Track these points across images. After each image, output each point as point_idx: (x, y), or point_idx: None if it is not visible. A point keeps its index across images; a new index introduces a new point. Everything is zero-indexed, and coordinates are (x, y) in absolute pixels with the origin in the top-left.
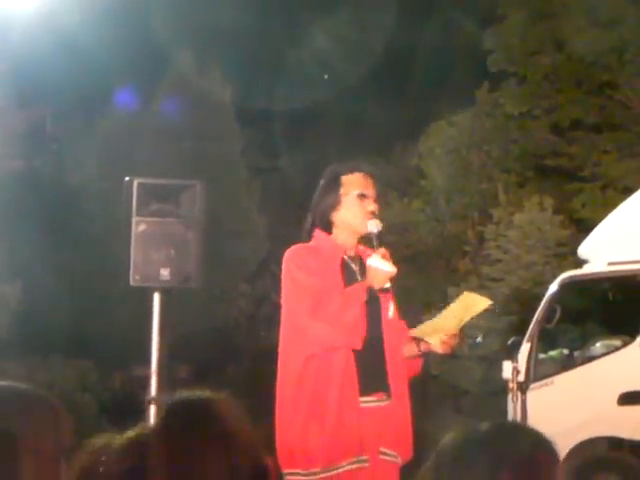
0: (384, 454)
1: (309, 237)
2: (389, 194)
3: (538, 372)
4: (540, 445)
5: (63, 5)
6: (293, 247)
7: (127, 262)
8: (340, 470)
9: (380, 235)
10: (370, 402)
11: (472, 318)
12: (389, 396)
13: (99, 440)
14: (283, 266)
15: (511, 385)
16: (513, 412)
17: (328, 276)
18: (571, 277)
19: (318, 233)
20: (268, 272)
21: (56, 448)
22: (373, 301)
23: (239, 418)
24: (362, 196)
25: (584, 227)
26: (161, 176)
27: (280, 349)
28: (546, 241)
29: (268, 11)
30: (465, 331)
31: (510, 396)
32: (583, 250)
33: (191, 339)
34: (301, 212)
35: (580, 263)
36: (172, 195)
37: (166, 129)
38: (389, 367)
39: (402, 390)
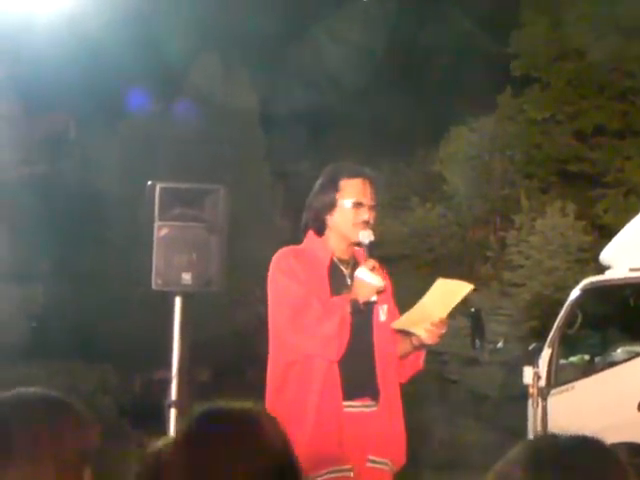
0: (373, 462)
1: (303, 237)
2: (411, 199)
3: (559, 378)
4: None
5: (85, 11)
6: (281, 250)
7: (149, 266)
8: (321, 478)
9: (371, 246)
10: (355, 407)
11: (456, 305)
12: (377, 402)
13: (160, 441)
14: (269, 271)
15: (532, 390)
16: (534, 417)
17: (314, 281)
18: (593, 283)
19: (310, 235)
20: None
21: (78, 453)
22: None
23: (281, 434)
24: (358, 204)
25: (606, 233)
26: (184, 180)
27: (269, 356)
28: (568, 247)
29: (293, 16)
30: (487, 336)
31: (531, 401)
32: (605, 256)
33: (212, 343)
34: None
35: (602, 269)
36: (195, 199)
37: (189, 134)
38: (379, 372)
39: (392, 395)
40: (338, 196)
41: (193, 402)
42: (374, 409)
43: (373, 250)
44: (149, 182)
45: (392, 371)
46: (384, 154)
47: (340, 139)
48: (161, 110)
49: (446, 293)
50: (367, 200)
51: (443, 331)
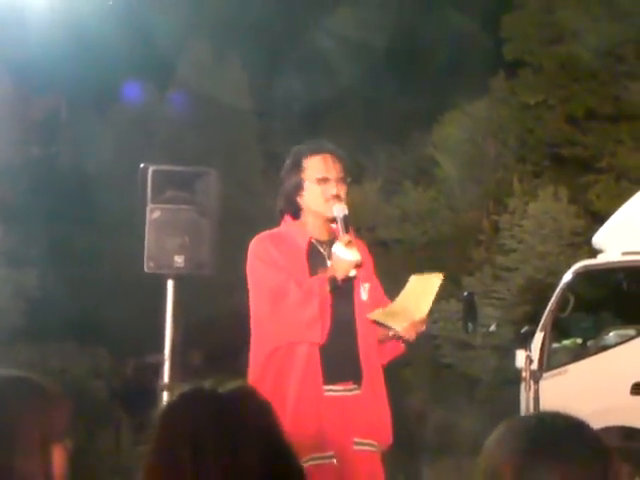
0: (360, 444)
1: (281, 219)
2: (403, 183)
3: (551, 361)
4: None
5: None
6: (258, 237)
7: (141, 249)
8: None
9: (346, 219)
10: (337, 391)
11: (434, 299)
12: (359, 384)
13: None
14: (248, 257)
15: (524, 374)
16: (526, 401)
17: (293, 265)
18: (585, 267)
19: (286, 219)
20: None
21: (42, 433)
22: (345, 284)
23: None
24: (324, 180)
25: (598, 217)
26: (176, 163)
27: (251, 342)
28: (561, 231)
29: (285, 0)
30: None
31: (523, 385)
32: (597, 240)
33: (205, 326)
34: None
35: (594, 253)
36: (187, 182)
37: (182, 117)
38: (361, 353)
39: (375, 377)
40: (303, 176)
41: (185, 385)
42: (357, 392)
43: (349, 224)
44: (141, 165)
45: (374, 352)
46: (378, 138)
47: (333, 123)
48: (155, 93)
49: (422, 288)
50: (333, 174)
51: (423, 329)
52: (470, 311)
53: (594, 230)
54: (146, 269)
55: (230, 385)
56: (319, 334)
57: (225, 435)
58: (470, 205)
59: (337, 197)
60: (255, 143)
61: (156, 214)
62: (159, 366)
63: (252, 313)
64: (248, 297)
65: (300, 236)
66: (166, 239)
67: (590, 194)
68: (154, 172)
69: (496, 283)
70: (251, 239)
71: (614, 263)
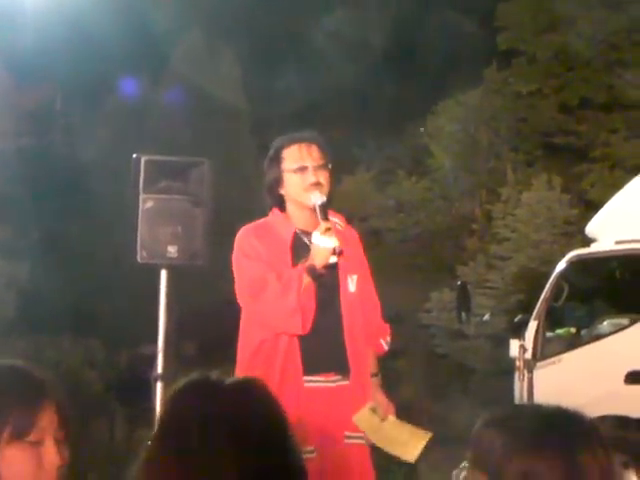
0: (350, 438)
1: (269, 212)
2: (397, 172)
3: (545, 350)
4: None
5: None
6: (243, 229)
7: (135, 239)
8: None
9: (324, 206)
10: (317, 382)
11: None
12: (345, 376)
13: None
14: (234, 249)
15: (518, 363)
16: (520, 390)
17: (275, 257)
18: (579, 255)
19: (274, 210)
20: None
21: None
22: (329, 276)
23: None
24: (301, 169)
25: (592, 206)
26: (170, 154)
27: (239, 335)
28: (554, 220)
29: None
30: (473, 309)
31: (517, 374)
32: (591, 228)
33: (199, 317)
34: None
35: (588, 242)
36: (180, 172)
37: (176, 108)
38: (348, 345)
39: (364, 368)
40: (282, 167)
41: (179, 376)
42: (343, 383)
43: (326, 210)
44: (134, 155)
45: (362, 343)
46: (371, 128)
47: (327, 114)
48: (147, 85)
49: (412, 436)
50: (311, 162)
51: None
52: (464, 300)
53: (588, 219)
54: (139, 259)
55: (236, 377)
56: (299, 325)
57: (232, 425)
58: (463, 194)
59: (316, 184)
60: (248, 135)
61: (149, 204)
62: (153, 357)
63: (241, 307)
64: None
65: (284, 227)
66: (159, 229)
67: (584, 183)
68: (147, 162)
69: (490, 272)
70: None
71: (608, 252)
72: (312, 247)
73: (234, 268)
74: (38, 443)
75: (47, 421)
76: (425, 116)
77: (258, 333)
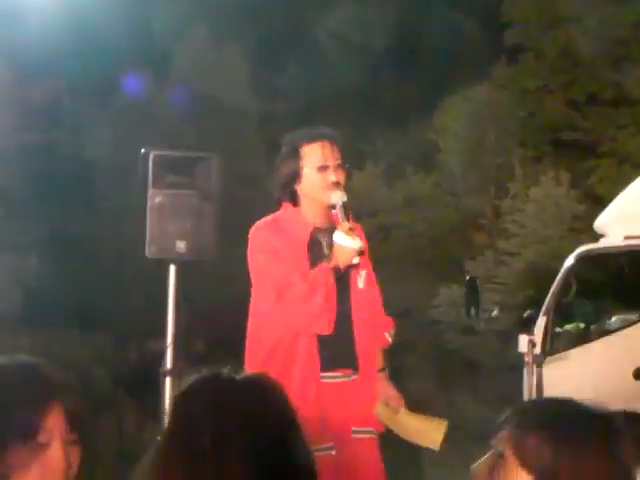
0: (358, 432)
1: (279, 206)
2: (405, 168)
3: (554, 345)
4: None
5: None
6: (258, 225)
7: (143, 235)
8: None
9: (345, 206)
10: (337, 378)
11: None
12: (357, 371)
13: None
14: (249, 246)
15: (527, 359)
16: (529, 385)
17: (293, 254)
18: (587, 251)
19: (286, 206)
20: None
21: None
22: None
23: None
24: (322, 168)
25: (600, 201)
26: (177, 149)
27: (248, 331)
28: (562, 215)
29: None
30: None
31: (526, 369)
32: (599, 224)
33: (208, 312)
34: None
35: (596, 237)
36: (188, 167)
37: (182, 103)
38: (357, 340)
39: (371, 363)
40: (301, 164)
41: (188, 371)
42: (354, 378)
43: (348, 210)
44: (143, 150)
45: (370, 338)
46: (379, 124)
47: (335, 109)
48: (154, 81)
49: (430, 425)
50: (331, 161)
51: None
52: (472, 296)
53: (596, 214)
54: (148, 254)
55: (248, 374)
56: (326, 325)
57: (245, 423)
58: (472, 190)
59: (336, 184)
60: (256, 130)
61: (158, 199)
62: (162, 352)
63: (254, 303)
64: (249, 284)
65: (302, 224)
66: (168, 224)
67: (592, 179)
68: (155, 157)
69: (498, 268)
70: (252, 225)
71: (616, 247)
72: (336, 247)
73: (250, 265)
74: (45, 445)
75: (54, 423)
76: (432, 112)
77: (275, 331)
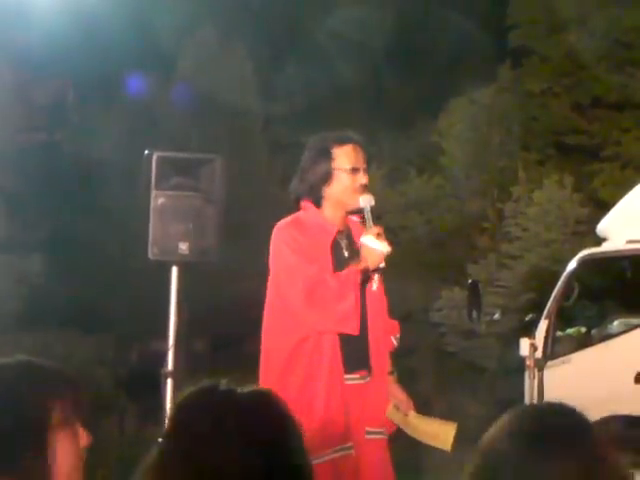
0: (371, 433)
1: (297, 207)
2: (408, 170)
3: (556, 349)
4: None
5: None
6: (282, 224)
7: (146, 236)
8: (325, 458)
9: (373, 210)
10: (355, 380)
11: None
12: (370, 373)
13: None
14: (273, 245)
15: (528, 362)
16: (530, 389)
17: (319, 256)
18: (590, 255)
19: (308, 206)
20: None
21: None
22: None
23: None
24: (354, 170)
25: (603, 205)
26: (181, 151)
27: (266, 330)
28: (565, 219)
29: None
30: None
31: (527, 373)
32: (602, 228)
33: (210, 314)
34: None
35: (599, 241)
36: (191, 169)
37: (186, 105)
38: (371, 343)
39: (383, 364)
40: (333, 165)
41: (189, 373)
42: (369, 380)
43: (375, 215)
44: (146, 151)
45: (382, 340)
46: (383, 126)
47: (338, 111)
48: (158, 81)
49: (440, 427)
50: (361, 164)
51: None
52: (474, 299)
53: (599, 218)
54: (150, 256)
55: (248, 388)
56: (356, 325)
57: (245, 438)
58: (475, 193)
59: (365, 187)
60: (259, 132)
61: (160, 201)
62: (163, 353)
63: (279, 303)
64: (252, 285)
65: (327, 226)
66: (170, 226)
67: (595, 182)
68: (159, 158)
69: (501, 271)
70: (255, 227)
71: (619, 251)
72: (366, 250)
73: (275, 264)
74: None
75: (60, 416)
76: (437, 114)
77: (301, 331)
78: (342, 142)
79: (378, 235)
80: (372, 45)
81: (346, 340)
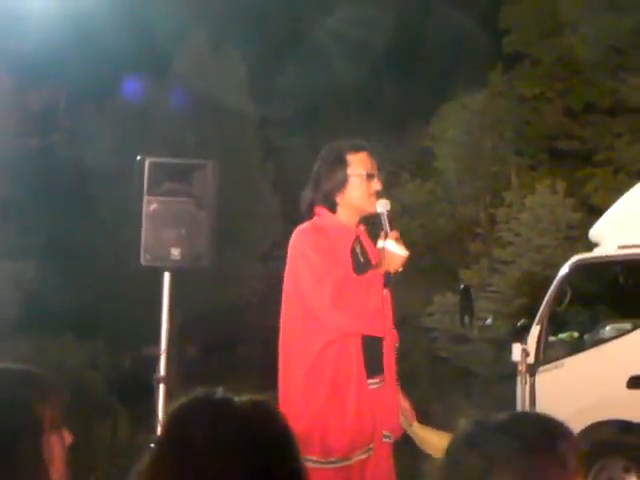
0: (386, 437)
1: (310, 215)
2: (401, 175)
3: (548, 354)
4: (560, 435)
5: None
6: (303, 228)
7: (138, 242)
8: (354, 460)
9: (389, 215)
10: (375, 384)
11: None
12: (384, 377)
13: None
14: (295, 248)
15: (520, 367)
16: (522, 394)
17: (342, 259)
18: (582, 260)
19: (323, 212)
20: (280, 252)
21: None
22: None
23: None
24: (370, 176)
25: (596, 210)
26: (175, 155)
27: (287, 333)
28: (557, 224)
29: None
30: (476, 313)
31: (519, 378)
32: (594, 233)
33: (202, 319)
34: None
35: (591, 246)
36: (184, 174)
37: (180, 109)
38: (385, 348)
39: (393, 371)
40: (349, 171)
41: (181, 378)
42: (384, 384)
43: (392, 219)
44: (138, 157)
45: (392, 344)
46: (375, 130)
47: (331, 115)
48: (152, 86)
49: (440, 438)
50: (375, 171)
51: None
52: (466, 304)
53: (591, 223)
54: (142, 262)
55: (245, 397)
56: (382, 328)
57: (240, 449)
58: (467, 198)
59: (379, 193)
60: (253, 136)
61: (153, 206)
62: (156, 359)
63: (302, 305)
64: (249, 288)
65: (346, 230)
66: (163, 231)
67: (587, 187)
68: (151, 164)
69: (493, 276)
70: (248, 232)
71: (611, 257)
72: (388, 254)
73: (298, 267)
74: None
75: (45, 421)
76: (429, 119)
77: (329, 333)
78: (356, 149)
79: (397, 239)
80: (366, 50)
81: (367, 344)
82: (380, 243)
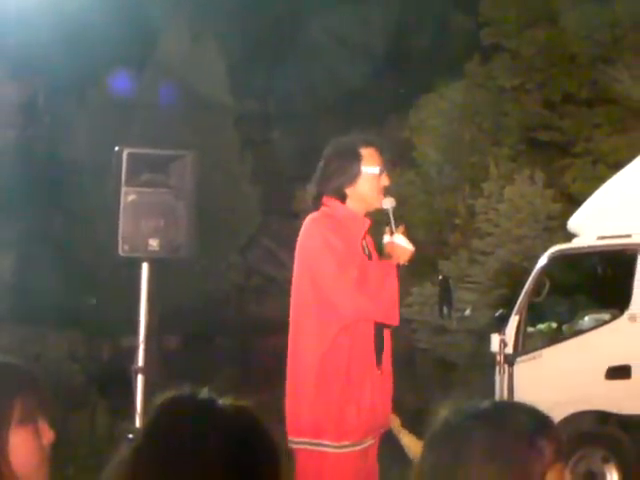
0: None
1: (317, 206)
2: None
3: (526, 345)
4: (540, 425)
5: None
6: (317, 216)
7: (117, 233)
8: (365, 445)
9: (395, 211)
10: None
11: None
12: (382, 367)
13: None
14: (313, 235)
15: (499, 358)
16: (500, 385)
17: (356, 246)
18: (560, 250)
19: (332, 202)
20: (259, 244)
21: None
22: None
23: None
24: (380, 172)
25: (574, 201)
26: (154, 147)
27: (299, 317)
28: (536, 215)
29: None
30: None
31: (497, 369)
32: (573, 224)
33: (181, 310)
34: (293, 184)
35: (570, 237)
36: (162, 165)
37: (159, 101)
38: (385, 341)
39: (390, 362)
40: (362, 165)
41: (160, 368)
42: (382, 374)
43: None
44: (116, 148)
45: (389, 338)
46: (354, 121)
47: (309, 107)
48: (131, 78)
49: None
50: (383, 167)
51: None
52: (445, 295)
53: (570, 214)
54: (120, 252)
55: (228, 400)
56: (398, 316)
57: (224, 452)
58: (446, 189)
59: (385, 189)
60: (232, 127)
61: (131, 197)
62: (134, 350)
63: (311, 290)
64: (227, 279)
65: (359, 221)
66: (141, 222)
67: (566, 178)
68: (129, 155)
69: (472, 267)
70: (227, 224)
71: (589, 247)
72: (398, 248)
73: (317, 252)
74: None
75: (23, 413)
76: (408, 110)
77: (335, 323)
78: (369, 144)
79: (404, 234)
80: (343, 42)
81: (377, 333)
82: (387, 238)
